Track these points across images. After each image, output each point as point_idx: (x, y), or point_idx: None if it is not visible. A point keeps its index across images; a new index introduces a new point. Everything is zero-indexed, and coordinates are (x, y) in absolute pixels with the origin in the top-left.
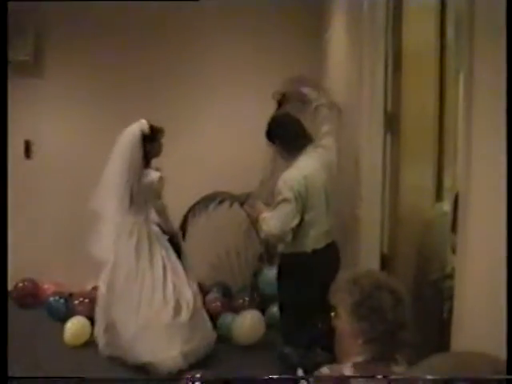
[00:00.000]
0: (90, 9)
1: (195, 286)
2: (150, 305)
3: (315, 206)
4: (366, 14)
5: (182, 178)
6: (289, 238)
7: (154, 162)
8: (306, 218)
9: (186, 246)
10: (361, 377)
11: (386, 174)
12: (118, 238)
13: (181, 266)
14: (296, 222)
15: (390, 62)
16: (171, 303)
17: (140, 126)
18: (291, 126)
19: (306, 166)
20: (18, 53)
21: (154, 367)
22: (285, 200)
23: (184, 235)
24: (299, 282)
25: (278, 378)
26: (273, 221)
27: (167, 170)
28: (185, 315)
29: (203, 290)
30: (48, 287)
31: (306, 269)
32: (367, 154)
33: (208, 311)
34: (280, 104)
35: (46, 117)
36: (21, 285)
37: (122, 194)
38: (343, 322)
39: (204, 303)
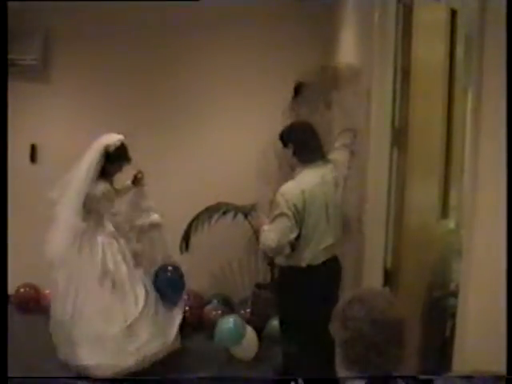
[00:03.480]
0: (99, 13)
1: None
2: (81, 313)
3: (313, 221)
4: (376, 30)
5: (185, 188)
6: (286, 251)
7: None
8: (304, 232)
9: (189, 256)
10: (360, 377)
11: (392, 189)
12: (67, 242)
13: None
14: (293, 235)
15: (398, 77)
16: (102, 314)
17: (108, 141)
18: (310, 136)
19: (307, 181)
20: (25, 57)
21: (89, 371)
22: (282, 214)
23: (187, 245)
24: (297, 296)
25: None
26: (270, 234)
27: (171, 179)
28: (117, 327)
29: (203, 301)
30: (49, 292)
31: (303, 283)
32: (374, 168)
33: (208, 321)
34: (296, 92)
35: (52, 121)
36: (22, 290)
37: (76, 200)
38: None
39: (203, 312)
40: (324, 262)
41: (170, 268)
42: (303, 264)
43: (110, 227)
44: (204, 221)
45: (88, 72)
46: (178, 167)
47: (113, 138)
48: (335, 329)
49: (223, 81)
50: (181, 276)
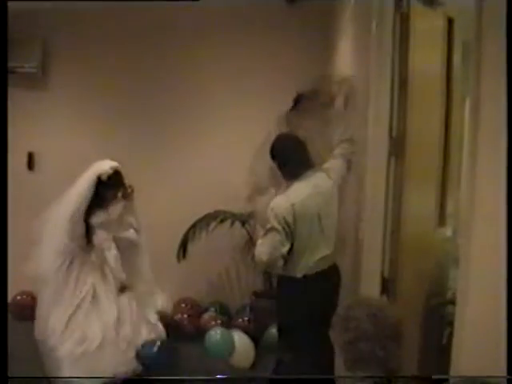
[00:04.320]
0: (98, 20)
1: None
2: (53, 329)
3: (306, 233)
4: (373, 38)
5: (183, 195)
6: (280, 264)
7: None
8: (296, 244)
9: (186, 263)
10: (359, 377)
11: (389, 197)
12: (53, 263)
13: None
14: (285, 249)
15: (396, 86)
16: (77, 332)
17: (100, 169)
18: (293, 150)
19: (297, 193)
20: (24, 64)
21: None
22: (272, 229)
23: (184, 253)
24: (295, 305)
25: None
26: (262, 248)
27: (169, 187)
28: (87, 346)
29: (200, 309)
30: None
31: (300, 293)
32: (371, 177)
33: (205, 329)
34: (296, 103)
35: (51, 129)
36: (19, 298)
37: (67, 227)
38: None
39: (200, 321)
40: (321, 272)
41: (157, 343)
42: (299, 275)
43: (98, 253)
44: (201, 228)
45: (87, 80)
46: (176, 175)
47: (105, 166)
48: (336, 333)
49: (222, 89)
50: (168, 352)
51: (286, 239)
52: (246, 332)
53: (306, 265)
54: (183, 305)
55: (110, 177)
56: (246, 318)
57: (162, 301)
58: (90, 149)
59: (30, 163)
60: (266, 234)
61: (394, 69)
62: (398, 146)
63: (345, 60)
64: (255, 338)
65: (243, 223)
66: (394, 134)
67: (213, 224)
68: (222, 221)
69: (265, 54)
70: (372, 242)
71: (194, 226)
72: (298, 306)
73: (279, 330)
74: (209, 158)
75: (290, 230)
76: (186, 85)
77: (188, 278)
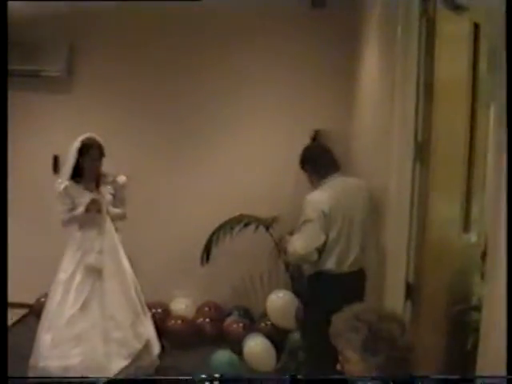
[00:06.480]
0: (124, 23)
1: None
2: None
3: (339, 228)
4: (399, 43)
5: (208, 199)
6: (315, 257)
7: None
8: (331, 236)
9: (209, 267)
10: (360, 377)
11: (414, 202)
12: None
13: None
14: (321, 241)
15: (421, 91)
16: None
17: (78, 139)
18: (322, 155)
19: (330, 189)
20: (50, 68)
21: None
22: (308, 220)
23: (208, 257)
24: (324, 303)
25: None
26: (298, 241)
27: (194, 190)
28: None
29: (223, 313)
30: None
31: (330, 290)
32: (395, 182)
33: (229, 334)
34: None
35: (76, 132)
36: (42, 300)
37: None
38: (354, 363)
39: (223, 325)
40: (350, 271)
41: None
42: (330, 270)
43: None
44: (225, 232)
45: (112, 83)
46: (200, 179)
47: (82, 136)
48: (348, 336)
49: (248, 94)
50: None
51: (320, 230)
52: (268, 336)
53: (337, 260)
54: (206, 309)
55: (84, 144)
56: (269, 323)
57: None
58: (114, 152)
59: (56, 166)
60: (301, 227)
61: (420, 74)
62: (423, 151)
63: (370, 65)
64: (276, 342)
65: (267, 228)
66: (419, 138)
67: (237, 228)
68: (246, 225)
69: (289, 59)
70: (396, 248)
71: (218, 229)
72: (326, 304)
73: (303, 331)
74: (233, 162)
75: (325, 222)
76: (214, 88)
77: (211, 281)
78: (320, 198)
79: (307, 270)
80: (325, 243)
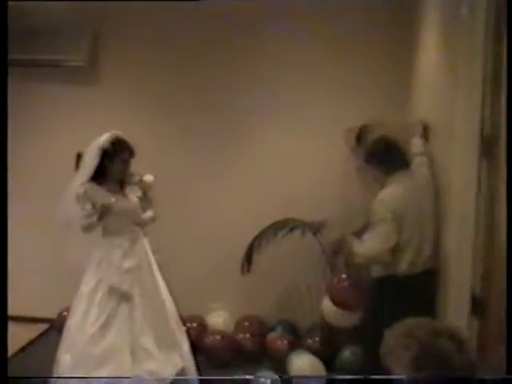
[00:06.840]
0: (148, 13)
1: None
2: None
3: (411, 227)
4: (463, 26)
5: (248, 201)
6: (387, 258)
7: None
8: (403, 236)
9: (251, 277)
10: (361, 377)
11: (480, 204)
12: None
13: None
14: (394, 241)
15: (488, 80)
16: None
17: (103, 138)
18: (390, 149)
19: (401, 186)
20: (73, 58)
21: None
22: (381, 220)
23: (249, 265)
24: (393, 307)
25: None
26: (369, 242)
27: (233, 190)
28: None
29: (266, 327)
30: None
31: (399, 294)
32: (459, 181)
33: (272, 351)
34: (359, 140)
35: (100, 126)
36: (65, 314)
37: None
38: None
39: (266, 341)
40: (421, 273)
41: None
42: (401, 272)
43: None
44: (269, 238)
45: (138, 74)
46: (241, 179)
47: (107, 134)
48: (398, 354)
49: (291, 98)
50: None
51: (393, 230)
52: (316, 354)
53: (409, 261)
54: (246, 323)
55: (112, 143)
56: (317, 339)
57: None
58: (142, 147)
59: (78, 164)
60: (372, 227)
61: (487, 61)
62: (490, 147)
63: (428, 51)
64: (325, 360)
65: (314, 232)
66: (486, 133)
67: (281, 233)
68: (291, 230)
69: (333, 50)
70: (461, 255)
71: (260, 235)
72: (395, 308)
73: (364, 338)
74: (275, 161)
75: (399, 221)
76: (251, 79)
77: (252, 293)
78: (393, 196)
79: (376, 272)
80: (397, 243)
